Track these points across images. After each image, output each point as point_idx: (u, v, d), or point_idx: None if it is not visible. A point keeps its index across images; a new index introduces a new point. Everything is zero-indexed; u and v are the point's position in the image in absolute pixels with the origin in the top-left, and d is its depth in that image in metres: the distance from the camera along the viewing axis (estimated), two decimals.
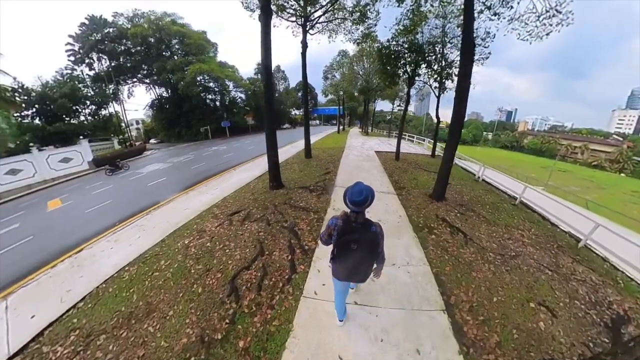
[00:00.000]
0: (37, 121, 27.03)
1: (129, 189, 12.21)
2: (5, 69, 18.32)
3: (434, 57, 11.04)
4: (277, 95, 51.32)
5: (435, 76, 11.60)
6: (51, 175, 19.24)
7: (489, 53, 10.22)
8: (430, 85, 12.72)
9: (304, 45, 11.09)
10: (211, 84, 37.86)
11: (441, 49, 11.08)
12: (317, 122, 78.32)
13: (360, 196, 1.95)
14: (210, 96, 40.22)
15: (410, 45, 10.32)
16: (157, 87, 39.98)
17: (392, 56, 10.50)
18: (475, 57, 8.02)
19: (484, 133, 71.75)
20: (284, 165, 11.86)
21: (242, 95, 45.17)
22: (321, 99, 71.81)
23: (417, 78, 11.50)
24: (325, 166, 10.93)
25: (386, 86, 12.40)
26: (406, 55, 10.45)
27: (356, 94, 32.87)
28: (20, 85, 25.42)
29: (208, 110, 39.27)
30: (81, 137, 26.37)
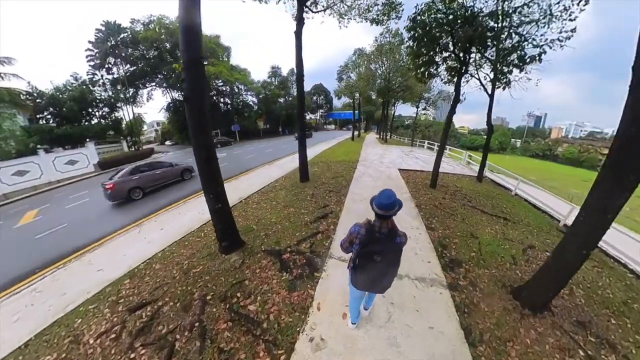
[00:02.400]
0: (50, 123, 26.83)
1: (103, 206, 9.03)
2: (21, 74, 18.22)
3: (494, 35, 6.84)
4: (290, 99, 48.50)
5: (498, 63, 7.40)
6: (56, 177, 18.67)
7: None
8: (481, 81, 8.53)
9: (299, 21, 7.40)
10: (222, 87, 36.27)
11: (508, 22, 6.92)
12: (332, 126, 74.43)
13: (389, 200, 1.81)
14: (222, 99, 38.80)
15: (458, 13, 6.28)
16: (172, 90, 38.80)
17: (432, 31, 6.47)
18: None
19: (512, 140, 64.13)
20: (263, 194, 8.20)
21: (254, 99, 43.03)
22: (337, 103, 68.14)
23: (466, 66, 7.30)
24: (324, 198, 7.08)
25: (418, 80, 8.34)
26: (454, 28, 6.36)
27: (374, 96, 28.74)
28: (33, 89, 25.08)
29: (218, 113, 37.70)
30: (87, 139, 25.09)
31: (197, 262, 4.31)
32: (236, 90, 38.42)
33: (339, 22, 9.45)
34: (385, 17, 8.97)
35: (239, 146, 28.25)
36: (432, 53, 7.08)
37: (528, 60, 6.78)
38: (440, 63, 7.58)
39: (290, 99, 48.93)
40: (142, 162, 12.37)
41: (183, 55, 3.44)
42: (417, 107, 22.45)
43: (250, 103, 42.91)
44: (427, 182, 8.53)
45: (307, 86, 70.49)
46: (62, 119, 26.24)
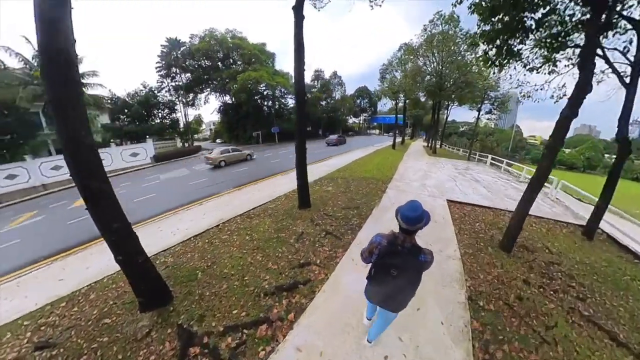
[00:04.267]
0: (122, 122, 30.58)
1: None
2: (104, 83, 23.51)
3: None
4: (331, 101, 46.46)
5: None
6: (122, 166, 21.45)
7: None
8: (611, 67, 4.62)
9: None
10: (265, 91, 36.67)
11: None
12: (376, 131, 69.44)
13: (416, 212, 1.70)
14: (265, 102, 39.36)
15: None
16: (222, 94, 41.25)
17: None
18: None
19: (605, 156, 49.39)
20: (247, 218, 6.04)
21: (294, 102, 42.57)
22: (382, 107, 63.27)
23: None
24: (312, 246, 4.44)
25: (486, 63, 4.87)
26: None
27: (422, 98, 24.29)
28: (112, 95, 29.75)
29: (261, 116, 38.45)
30: (147, 136, 27.79)
31: (115, 310, 3.17)
32: (277, 94, 38.48)
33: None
34: None
35: (272, 149, 27.21)
36: (515, 12, 3.74)
37: None
38: (532, 29, 4.12)
39: (331, 101, 46.91)
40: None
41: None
42: (479, 110, 17.44)
43: (291, 105, 42.68)
44: (493, 233, 5.03)
45: (351, 89, 67.40)
46: (131, 119, 30.14)
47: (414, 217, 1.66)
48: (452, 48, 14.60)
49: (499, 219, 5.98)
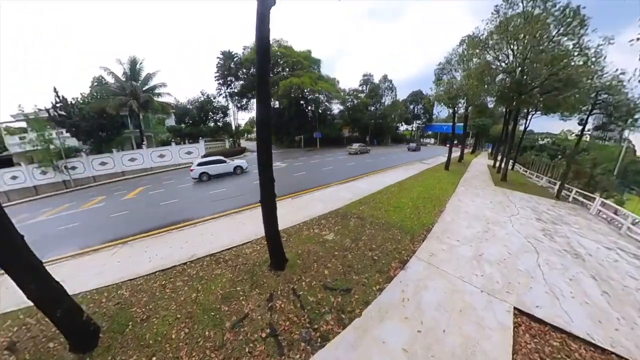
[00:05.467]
0: (182, 125, 34.37)
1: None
2: (171, 91, 27.92)
3: None
4: (379, 108, 42.67)
5: None
6: (179, 161, 24.57)
7: None
8: None
9: None
10: (309, 96, 35.91)
11: None
12: (431, 140, 61.28)
13: None
14: (310, 107, 38.69)
15: None
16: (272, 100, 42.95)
17: None
18: None
19: None
20: (206, 266, 4.34)
21: (340, 107, 40.58)
22: (440, 113, 55.49)
23: None
24: (247, 348, 2.50)
25: None
26: None
27: (491, 104, 19.00)
28: (177, 101, 34.32)
29: (304, 120, 37.88)
30: (200, 137, 30.10)
31: None
32: (322, 99, 37.42)
33: None
34: None
35: (306, 155, 25.75)
36: None
37: None
38: None
39: (380, 107, 43.07)
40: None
41: None
42: (583, 122, 11.80)
43: (335, 110, 40.94)
44: None
45: (404, 94, 61.44)
46: (190, 121, 33.47)
47: None
48: (539, 34, 10.11)
49: None
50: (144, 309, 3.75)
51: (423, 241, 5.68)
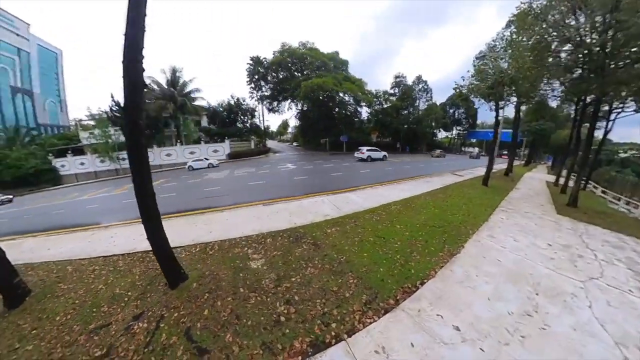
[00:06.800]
0: (212, 126, 36.68)
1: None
2: (205, 95, 30.23)
3: None
4: (413, 111, 38.47)
5: None
6: (206, 157, 26.01)
7: None
8: None
9: None
10: (336, 98, 34.20)
11: None
12: (475, 150, 53.33)
13: None
14: (337, 109, 36.86)
15: None
16: (296, 101, 41.98)
17: None
18: None
19: None
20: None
21: (367, 109, 37.58)
22: (485, 117, 47.95)
23: None
24: None
25: None
26: None
27: (555, 102, 14.47)
28: (209, 104, 36.17)
29: (330, 123, 36.22)
30: (226, 137, 31.08)
31: None
32: (347, 100, 35.13)
33: None
34: None
35: (323, 159, 23.79)
36: None
37: None
38: None
39: (414, 110, 38.85)
40: None
41: None
42: None
43: (365, 114, 38.13)
44: None
45: (441, 97, 55.31)
46: (219, 122, 35.30)
47: None
48: None
49: None
50: (66, 287, 3.86)
51: (382, 315, 2.84)
